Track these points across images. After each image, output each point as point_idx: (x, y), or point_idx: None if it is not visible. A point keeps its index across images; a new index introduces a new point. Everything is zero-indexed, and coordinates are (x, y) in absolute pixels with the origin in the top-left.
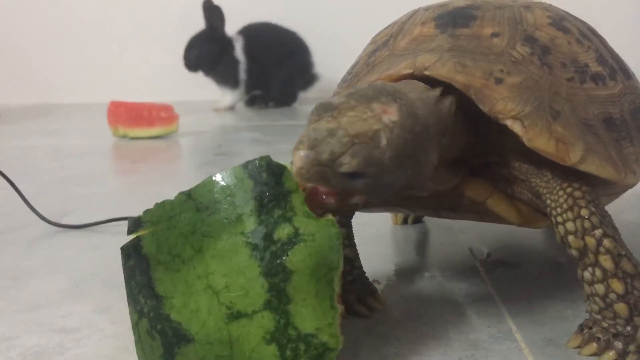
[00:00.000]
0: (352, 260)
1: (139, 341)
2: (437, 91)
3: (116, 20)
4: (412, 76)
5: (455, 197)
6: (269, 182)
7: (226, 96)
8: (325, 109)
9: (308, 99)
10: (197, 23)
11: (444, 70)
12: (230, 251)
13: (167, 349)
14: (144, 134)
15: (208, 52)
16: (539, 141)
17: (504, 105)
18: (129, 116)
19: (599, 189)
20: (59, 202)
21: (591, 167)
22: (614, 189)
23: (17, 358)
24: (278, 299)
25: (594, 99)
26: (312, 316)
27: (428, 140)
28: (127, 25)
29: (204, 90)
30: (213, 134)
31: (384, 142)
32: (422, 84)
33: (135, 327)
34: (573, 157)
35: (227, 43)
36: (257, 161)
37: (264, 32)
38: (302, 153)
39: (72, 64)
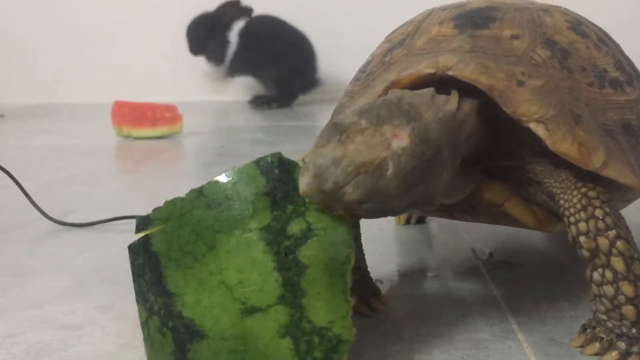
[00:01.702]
0: (357, 260)
1: (148, 339)
2: (453, 104)
3: (120, 20)
4: (434, 76)
5: (472, 199)
6: (282, 178)
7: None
8: (335, 131)
9: (310, 100)
10: None
11: (467, 70)
12: (244, 247)
13: (179, 346)
14: (148, 134)
15: (200, 35)
16: (563, 145)
17: (528, 107)
18: (133, 116)
19: (615, 195)
20: (63, 201)
21: (612, 172)
22: (629, 195)
23: (21, 354)
24: (292, 293)
25: (612, 105)
26: (325, 309)
27: (440, 163)
28: (130, 25)
29: (207, 91)
30: (216, 135)
31: (390, 171)
32: (441, 97)
33: (145, 324)
34: (595, 161)
35: (223, 25)
36: (269, 158)
37: (267, 23)
38: (305, 180)
39: (76, 64)
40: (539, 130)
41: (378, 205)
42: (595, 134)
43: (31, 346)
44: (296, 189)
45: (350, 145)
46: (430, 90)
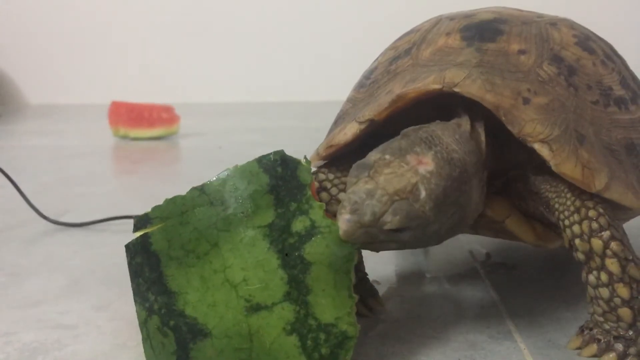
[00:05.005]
0: (357, 264)
1: (147, 339)
2: (467, 125)
3: (118, 21)
4: (440, 91)
5: None
6: (284, 176)
7: None
8: (362, 169)
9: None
10: (198, 23)
11: (474, 88)
12: (248, 245)
13: (181, 345)
14: (145, 135)
15: None
16: (566, 166)
17: (533, 127)
18: (130, 117)
19: (617, 213)
20: (59, 201)
21: (614, 194)
22: (630, 214)
23: (15, 354)
24: (297, 290)
25: (616, 124)
26: (331, 306)
27: (468, 181)
28: (128, 26)
29: (205, 92)
30: (213, 136)
31: (423, 194)
32: (453, 123)
33: (144, 324)
34: (598, 184)
35: None
36: (271, 155)
37: None
38: (345, 217)
39: (73, 65)
40: (543, 151)
41: (419, 231)
42: (599, 155)
43: (26, 345)
44: (299, 186)
45: (379, 177)
46: (440, 122)
